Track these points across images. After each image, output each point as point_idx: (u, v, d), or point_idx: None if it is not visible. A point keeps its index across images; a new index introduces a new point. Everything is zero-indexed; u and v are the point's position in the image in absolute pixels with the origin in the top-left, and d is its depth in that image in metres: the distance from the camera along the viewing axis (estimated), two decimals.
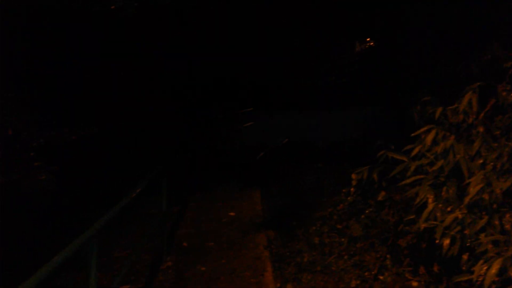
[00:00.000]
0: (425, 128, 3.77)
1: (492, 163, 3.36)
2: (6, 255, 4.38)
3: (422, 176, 3.55)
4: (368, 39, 13.36)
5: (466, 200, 3.15)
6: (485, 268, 2.72)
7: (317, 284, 4.28)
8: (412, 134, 3.87)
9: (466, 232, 3.05)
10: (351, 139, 9.94)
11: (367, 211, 4.92)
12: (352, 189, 5.19)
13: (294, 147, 11.18)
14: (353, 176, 4.92)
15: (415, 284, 3.86)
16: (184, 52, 11.20)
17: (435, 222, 3.19)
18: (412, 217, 3.73)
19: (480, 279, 2.74)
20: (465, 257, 3.05)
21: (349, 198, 5.43)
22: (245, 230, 6.34)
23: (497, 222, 3.06)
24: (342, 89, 13.37)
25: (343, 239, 4.97)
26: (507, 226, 3.07)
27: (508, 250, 2.81)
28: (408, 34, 8.12)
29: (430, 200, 3.33)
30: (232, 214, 7.25)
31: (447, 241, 3.05)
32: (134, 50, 9.06)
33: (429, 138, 3.65)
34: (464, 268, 3.04)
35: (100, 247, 2.99)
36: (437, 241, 3.12)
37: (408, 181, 3.64)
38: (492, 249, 2.88)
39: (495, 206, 3.15)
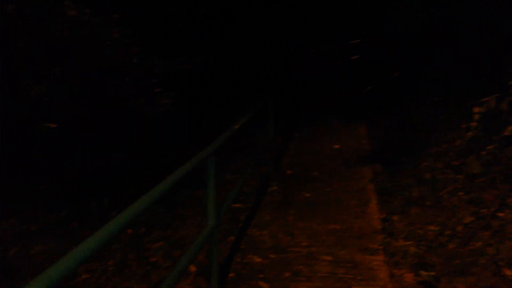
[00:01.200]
0: None
1: None
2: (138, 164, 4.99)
3: None
4: None
5: None
6: None
7: (426, 218, 4.14)
8: None
9: None
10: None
11: (489, 147, 4.46)
12: (473, 124, 4.73)
13: (404, 80, 10.41)
14: (475, 109, 4.43)
15: None
16: None
17: None
18: None
19: None
20: None
21: (468, 133, 4.96)
22: (350, 163, 6.29)
23: None
24: None
25: (458, 176, 4.64)
26: None
27: None
28: None
29: None
30: (337, 146, 7.21)
31: None
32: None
33: None
34: None
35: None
36: None
37: None
38: None
39: None
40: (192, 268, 3.77)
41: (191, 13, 6.34)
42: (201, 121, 7.22)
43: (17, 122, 3.28)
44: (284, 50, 11.22)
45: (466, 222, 3.80)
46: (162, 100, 4.04)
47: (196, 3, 6.89)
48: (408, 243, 3.76)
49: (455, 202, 4.26)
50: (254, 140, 7.32)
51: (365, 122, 8.43)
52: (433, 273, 3.28)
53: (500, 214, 3.65)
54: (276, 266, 3.57)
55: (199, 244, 2.80)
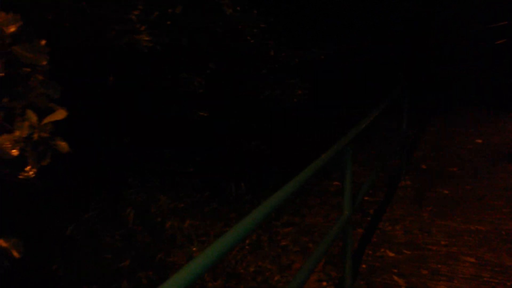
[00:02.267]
0: None
1: None
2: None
3: None
4: None
5: None
6: None
7: None
8: None
9: None
10: None
11: None
12: None
13: None
14: None
15: None
16: None
17: None
18: None
19: None
20: None
21: None
22: (495, 159, 5.66)
23: None
24: None
25: None
26: None
27: None
28: None
29: None
30: (479, 141, 6.53)
31: None
32: None
33: None
34: None
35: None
36: None
37: None
38: None
39: None
40: None
41: (325, 4, 6.39)
42: (333, 111, 7.25)
43: (176, 110, 3.75)
44: (420, 33, 10.44)
45: None
46: (296, 91, 4.18)
47: None
48: None
49: None
50: (384, 133, 7.06)
51: None
52: None
53: None
54: (411, 263, 3.44)
55: (334, 233, 2.85)
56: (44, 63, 1.93)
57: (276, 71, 4.39)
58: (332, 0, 6.70)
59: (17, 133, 1.79)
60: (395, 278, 3.27)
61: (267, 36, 4.38)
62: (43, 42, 2.11)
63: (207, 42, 3.21)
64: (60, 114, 1.85)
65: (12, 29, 2.00)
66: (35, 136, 1.82)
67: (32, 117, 1.83)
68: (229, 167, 4.57)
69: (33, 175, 2.01)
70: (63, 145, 1.92)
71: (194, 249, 3.53)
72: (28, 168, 1.99)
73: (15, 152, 1.92)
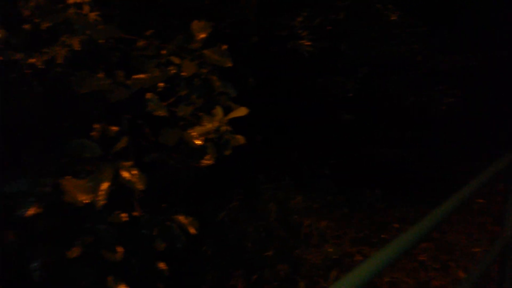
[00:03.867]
0: None
1: None
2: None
3: None
4: None
5: None
6: None
7: None
8: None
9: None
10: None
11: None
12: None
13: None
14: None
15: None
16: None
17: None
18: None
19: None
20: None
21: None
22: None
23: None
24: None
25: None
26: None
27: None
28: None
29: None
30: None
31: None
32: None
33: None
34: None
35: None
36: None
37: None
38: None
39: None
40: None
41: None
42: (487, 120, 6.59)
43: (323, 111, 3.87)
44: None
45: None
46: (446, 98, 3.93)
47: None
48: None
49: None
50: None
51: None
52: None
53: None
54: None
55: (492, 257, 2.61)
56: (229, 65, 2.18)
57: (425, 76, 4.20)
58: (487, 4, 6.12)
59: (209, 126, 2.06)
60: None
61: (413, 40, 4.21)
62: (225, 46, 2.38)
63: (363, 47, 3.25)
64: (241, 111, 2.07)
65: (203, 35, 2.30)
66: (222, 129, 2.07)
67: (220, 113, 2.08)
68: (365, 172, 4.52)
69: (212, 163, 2.29)
70: (240, 138, 2.15)
71: (330, 249, 3.59)
72: (208, 156, 2.27)
73: (199, 142, 2.21)
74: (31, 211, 1.72)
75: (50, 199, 1.77)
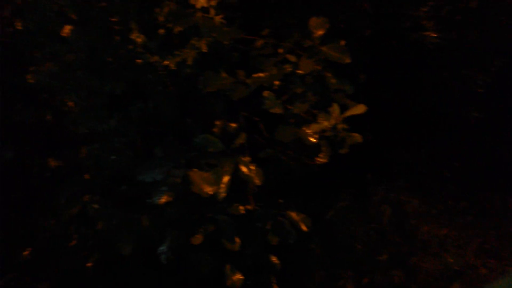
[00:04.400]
0: None
1: None
2: None
3: None
4: None
5: None
6: None
7: None
8: None
9: None
10: None
11: None
12: None
13: None
14: None
15: None
16: None
17: None
18: None
19: None
20: None
21: None
22: None
23: None
24: None
25: None
26: None
27: None
28: None
29: None
30: None
31: None
32: None
33: None
34: None
35: None
36: None
37: None
38: None
39: None
40: None
41: None
42: None
43: (446, 108, 3.57)
44: None
45: None
46: None
47: None
48: None
49: None
50: None
51: None
52: None
53: None
54: None
55: None
56: (348, 61, 2.13)
57: None
58: None
59: (325, 123, 2.04)
60: None
61: None
62: (343, 42, 2.33)
63: (496, 37, 2.90)
64: (360, 109, 2.01)
65: (321, 31, 2.28)
66: (339, 127, 2.03)
67: (336, 110, 2.05)
68: (494, 177, 4.04)
69: (326, 161, 2.27)
70: (357, 136, 2.09)
71: (450, 260, 3.29)
72: (322, 154, 2.26)
73: (313, 139, 2.20)
74: (163, 199, 1.90)
75: (179, 189, 1.93)
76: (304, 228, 2.34)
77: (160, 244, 2.11)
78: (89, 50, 1.91)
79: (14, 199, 2.63)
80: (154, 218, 2.08)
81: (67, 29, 1.79)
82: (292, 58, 2.33)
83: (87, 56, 1.91)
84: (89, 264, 2.24)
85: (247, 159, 2.11)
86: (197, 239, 2.05)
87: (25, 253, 2.48)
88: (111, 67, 1.97)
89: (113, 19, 2.06)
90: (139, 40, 1.98)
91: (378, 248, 3.34)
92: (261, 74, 2.20)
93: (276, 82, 2.34)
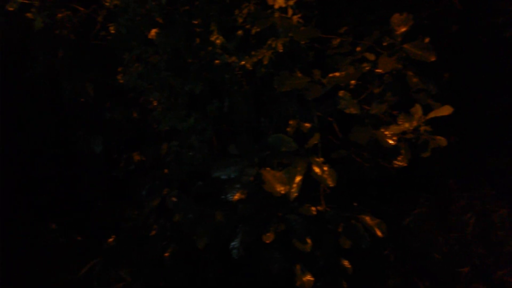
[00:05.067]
0: None
1: None
2: None
3: None
4: None
5: None
6: None
7: None
8: None
9: None
10: None
11: None
12: None
13: None
14: None
15: None
16: None
17: None
18: None
19: None
20: None
21: None
22: None
23: None
24: None
25: None
26: None
27: None
28: None
29: None
30: None
31: None
32: None
33: None
34: None
35: None
36: None
37: None
38: None
39: None
40: None
41: None
42: None
43: None
44: None
45: None
46: None
47: None
48: None
49: None
50: None
51: None
52: None
53: None
54: None
55: None
56: (433, 59, 2.01)
57: None
58: None
59: (405, 125, 1.94)
60: None
61: None
62: (427, 39, 2.20)
63: None
64: (445, 110, 1.88)
65: (404, 28, 2.17)
66: (421, 129, 1.92)
67: (419, 111, 1.94)
68: None
69: (405, 165, 2.16)
70: (441, 140, 1.95)
71: None
72: (400, 157, 2.15)
73: (392, 142, 2.11)
74: (236, 196, 1.95)
75: (252, 187, 1.97)
76: (378, 233, 2.25)
77: (232, 240, 2.17)
78: (172, 52, 2.01)
79: (102, 189, 2.87)
80: (227, 214, 2.14)
81: (153, 32, 1.91)
82: (371, 56, 2.25)
83: (170, 57, 2.02)
84: (166, 254, 2.37)
85: (320, 159, 2.09)
86: (269, 237, 2.07)
87: (110, 240, 2.69)
88: (192, 68, 2.06)
89: (195, 22, 2.15)
90: (218, 41, 2.04)
91: (459, 259, 3.11)
92: (337, 74, 2.16)
93: (353, 82, 2.28)
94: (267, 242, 2.07)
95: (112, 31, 1.91)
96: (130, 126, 2.64)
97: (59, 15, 2.15)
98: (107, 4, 1.92)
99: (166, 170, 2.47)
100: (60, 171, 2.79)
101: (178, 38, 2.06)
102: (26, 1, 1.66)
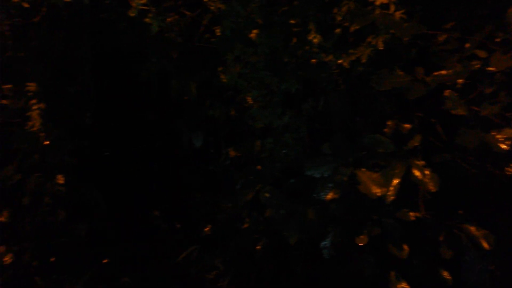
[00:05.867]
0: None
1: None
2: None
3: None
4: None
5: None
6: None
7: None
8: None
9: None
10: None
11: None
12: None
13: None
14: None
15: None
16: None
17: None
18: None
19: None
20: None
21: None
22: None
23: None
24: None
25: None
26: None
27: None
28: None
29: None
30: None
31: None
32: None
33: None
34: None
35: None
36: None
37: None
38: None
39: None
40: None
41: None
42: None
43: None
44: None
45: None
46: None
47: None
48: None
49: None
50: None
51: None
52: None
53: None
54: None
55: None
56: None
57: None
58: None
59: None
60: None
61: None
62: None
63: None
64: None
65: None
66: None
67: None
68: None
69: None
70: None
71: None
72: None
73: (504, 146, 1.92)
74: (329, 196, 1.94)
75: (345, 187, 1.94)
76: (485, 245, 2.07)
77: (323, 239, 2.16)
78: (270, 52, 2.07)
79: (200, 182, 3.06)
80: (319, 212, 2.14)
81: (253, 33, 1.99)
82: (482, 53, 2.07)
83: (268, 57, 2.07)
84: (258, 247, 2.45)
85: (421, 162, 1.98)
86: (362, 239, 2.02)
87: (206, 229, 2.85)
88: (289, 67, 2.09)
89: (292, 21, 2.18)
90: (315, 40, 2.04)
91: None
92: (443, 72, 2.02)
93: (460, 81, 2.12)
94: (360, 244, 2.02)
95: (218, 33, 2.02)
96: (227, 123, 2.78)
97: (168, 20, 2.34)
98: (212, 8, 2.04)
99: (258, 166, 2.55)
100: (164, 163, 3.04)
101: (276, 38, 2.11)
102: (145, 8, 1.85)
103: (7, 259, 2.61)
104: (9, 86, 2.22)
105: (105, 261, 2.90)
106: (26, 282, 2.70)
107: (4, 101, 2.38)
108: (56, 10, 2.06)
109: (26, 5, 1.95)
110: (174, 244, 3.01)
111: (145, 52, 2.45)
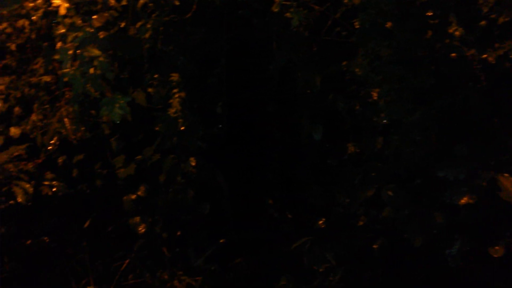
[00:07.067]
0: None
1: None
2: None
3: None
4: None
5: None
6: None
7: None
8: None
9: None
10: None
11: None
12: None
13: None
14: None
15: None
16: None
17: None
18: None
19: None
20: None
21: None
22: None
23: None
24: None
25: None
26: None
27: None
28: None
29: None
30: None
31: None
32: None
33: None
34: None
35: None
36: None
37: None
38: None
39: None
40: None
41: None
42: None
43: None
44: None
45: None
46: None
47: None
48: None
49: None
50: None
51: None
52: None
53: None
54: None
55: None
56: None
57: None
58: None
59: None
60: None
61: None
62: None
63: None
64: None
65: None
66: None
67: None
68: None
69: None
70: None
71: None
72: None
73: None
74: (463, 200, 1.81)
75: (483, 193, 1.78)
76: None
77: (450, 246, 2.02)
78: (404, 45, 1.98)
79: (317, 174, 3.07)
80: (449, 217, 2.00)
81: (389, 25, 1.93)
82: None
83: (402, 50, 1.99)
84: (375, 246, 2.38)
85: None
86: (497, 251, 1.84)
87: (320, 222, 2.86)
88: (424, 61, 1.99)
89: (429, 14, 2.06)
90: (457, 33, 1.91)
91: None
92: None
93: None
94: (495, 256, 1.85)
95: (357, 26, 2.01)
96: (348, 118, 2.74)
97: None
98: (345, 1, 2.03)
99: (378, 163, 2.48)
100: (282, 154, 3.13)
101: (411, 31, 2.02)
102: (288, 3, 1.93)
103: (141, 228, 2.94)
104: (156, 75, 2.50)
105: (222, 240, 3.11)
106: (155, 251, 3.03)
107: (150, 89, 2.70)
108: (203, 7, 2.27)
109: (177, 2, 2.20)
110: (286, 233, 3.09)
111: (273, 46, 2.54)
